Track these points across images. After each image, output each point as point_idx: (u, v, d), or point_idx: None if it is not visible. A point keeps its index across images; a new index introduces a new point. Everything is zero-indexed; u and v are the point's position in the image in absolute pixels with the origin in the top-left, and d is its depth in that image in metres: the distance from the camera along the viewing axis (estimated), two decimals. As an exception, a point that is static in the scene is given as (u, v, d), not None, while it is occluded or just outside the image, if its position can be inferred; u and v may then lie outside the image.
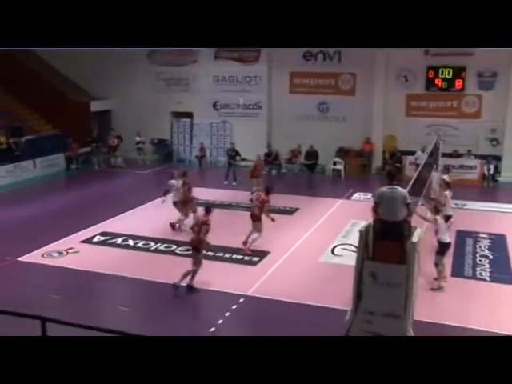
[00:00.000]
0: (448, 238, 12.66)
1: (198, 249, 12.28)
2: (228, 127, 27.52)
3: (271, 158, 25.15)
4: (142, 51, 27.95)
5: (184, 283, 12.16)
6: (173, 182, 16.53)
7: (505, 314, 11.36)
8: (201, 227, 12.26)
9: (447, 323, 10.78)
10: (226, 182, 22.47)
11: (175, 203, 16.22)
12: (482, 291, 12.56)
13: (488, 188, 23.10)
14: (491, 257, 14.58)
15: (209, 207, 12.98)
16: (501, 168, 24.26)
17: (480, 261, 14.33)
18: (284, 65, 26.51)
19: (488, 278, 13.30)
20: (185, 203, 16.21)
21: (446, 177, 16.80)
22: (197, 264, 12.15)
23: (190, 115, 28.24)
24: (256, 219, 14.57)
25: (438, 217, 12.50)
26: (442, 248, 12.40)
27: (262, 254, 14.37)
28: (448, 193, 15.32)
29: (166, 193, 16.41)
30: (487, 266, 14.00)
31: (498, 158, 24.25)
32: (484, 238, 16.05)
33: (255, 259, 14.09)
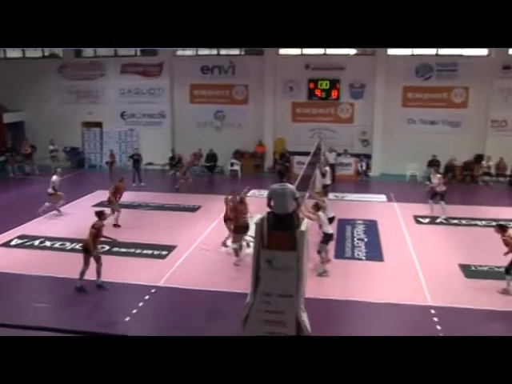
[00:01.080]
0: (330, 229, 13.05)
1: (86, 250, 11.69)
2: (135, 134, 27.16)
3: (175, 161, 25.02)
4: (52, 66, 27.04)
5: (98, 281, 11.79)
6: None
7: (378, 286, 11.95)
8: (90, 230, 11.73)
9: (333, 298, 11.21)
10: (134, 185, 22.09)
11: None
12: (359, 269, 13.10)
13: (361, 182, 24.14)
14: (366, 239, 15.26)
15: (100, 212, 12.29)
16: (371, 165, 25.49)
17: (357, 243, 14.96)
18: (184, 78, 26.50)
19: (364, 258, 13.92)
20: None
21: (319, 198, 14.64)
22: (85, 264, 11.56)
23: (99, 124, 27.56)
24: None
25: (319, 213, 12.85)
26: (325, 238, 12.74)
27: (170, 248, 14.27)
28: (326, 199, 14.84)
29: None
30: (363, 247, 14.64)
31: (368, 157, 25.46)
32: (360, 224, 16.77)
33: (164, 253, 13.98)
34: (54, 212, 17.65)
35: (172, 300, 11.35)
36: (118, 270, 12.58)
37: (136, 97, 27.05)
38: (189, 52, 26.90)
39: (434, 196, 17.70)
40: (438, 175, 18.11)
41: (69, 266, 12.70)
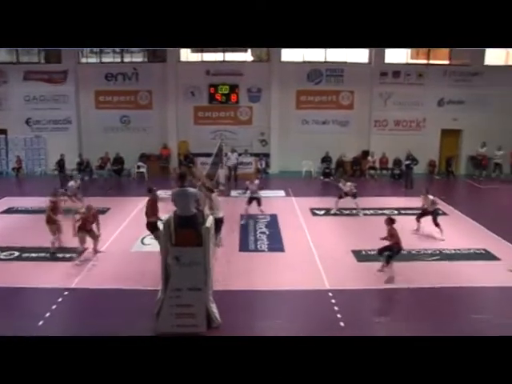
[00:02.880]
0: (221, 213, 12.98)
1: (48, 221, 11.64)
2: (42, 141, 25.70)
3: (83, 166, 24.13)
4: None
5: None
6: None
7: (280, 275, 12.10)
8: None
9: (240, 289, 11.21)
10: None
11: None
12: (262, 260, 13.20)
13: (262, 179, 24.38)
14: (268, 232, 15.43)
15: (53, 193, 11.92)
16: (270, 162, 25.91)
17: (260, 237, 15.09)
18: (89, 84, 25.52)
19: (266, 249, 14.07)
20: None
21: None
22: (53, 235, 11.43)
23: (3, 131, 25.81)
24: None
25: (213, 194, 12.74)
26: (216, 223, 12.06)
27: (81, 251, 13.65)
28: (215, 195, 13.82)
29: None
30: (265, 240, 14.80)
31: (267, 155, 25.87)
32: (261, 218, 16.93)
33: (74, 255, 13.35)
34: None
35: (85, 301, 10.85)
36: (29, 276, 11.86)
37: (41, 103, 25.59)
38: (93, 59, 25.98)
39: (343, 197, 17.74)
40: (349, 183, 17.94)
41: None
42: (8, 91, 25.42)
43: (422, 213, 15.39)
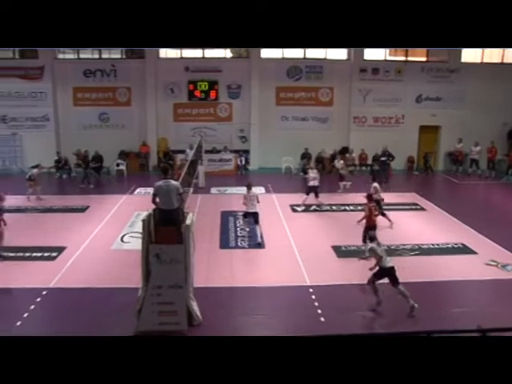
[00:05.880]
0: (255, 208, 14.13)
1: None
2: (18, 138, 25.22)
3: (61, 163, 23.82)
4: None
5: None
6: None
7: (261, 271, 12.18)
8: None
9: (220, 286, 11.21)
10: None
11: None
12: (243, 257, 13.23)
13: (242, 175, 24.39)
14: (248, 229, 15.43)
15: None
16: (250, 159, 25.91)
17: (240, 233, 15.10)
18: (67, 81, 25.16)
19: (247, 246, 14.09)
20: None
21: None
22: None
23: (-22, 129, 25.37)
24: None
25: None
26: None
27: (60, 249, 13.49)
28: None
29: None
30: (246, 236, 14.79)
31: (247, 152, 25.85)
32: (241, 215, 16.88)
33: (53, 254, 13.19)
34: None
35: (64, 300, 10.71)
36: (6, 276, 11.70)
37: (17, 100, 25.08)
38: (70, 56, 25.60)
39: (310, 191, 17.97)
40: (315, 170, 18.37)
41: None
42: (-19, 87, 24.92)
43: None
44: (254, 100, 25.49)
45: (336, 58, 25.65)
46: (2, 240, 12.85)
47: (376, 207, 13.19)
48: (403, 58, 25.80)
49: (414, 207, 18.32)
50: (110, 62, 25.28)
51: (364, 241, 12.59)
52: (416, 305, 9.75)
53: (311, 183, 17.79)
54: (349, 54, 25.67)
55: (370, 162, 25.25)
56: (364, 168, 25.31)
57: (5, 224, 12.99)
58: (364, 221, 13.04)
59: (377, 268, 10.00)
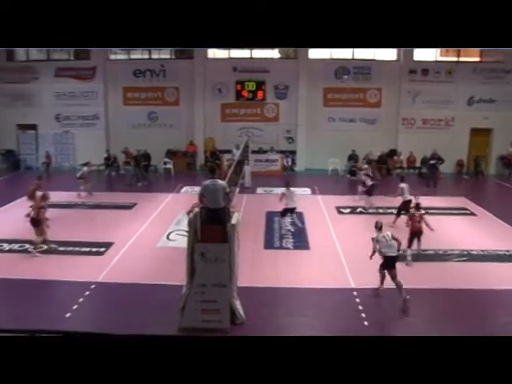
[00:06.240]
0: (292, 205, 15.22)
1: None
2: (70, 136, 26.20)
3: (110, 161, 24.45)
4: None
5: None
6: None
7: (305, 273, 12.10)
8: None
9: (264, 286, 11.21)
10: (139, 184, 22.05)
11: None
12: (287, 257, 13.19)
13: (288, 176, 24.35)
14: (293, 230, 15.42)
15: None
16: (296, 160, 25.86)
17: (285, 234, 15.08)
18: (117, 81, 25.85)
19: (291, 247, 14.06)
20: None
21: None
22: None
23: (34, 127, 26.36)
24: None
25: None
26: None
27: (107, 245, 13.85)
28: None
29: None
30: (290, 237, 14.77)
31: (293, 153, 25.81)
32: (287, 216, 16.85)
33: (101, 250, 13.54)
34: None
35: (111, 295, 10.99)
36: (56, 268, 12.09)
37: (70, 99, 26.03)
38: (121, 56, 26.28)
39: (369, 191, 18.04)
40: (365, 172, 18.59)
41: (5, 266, 12.12)
42: (39, 88, 25.93)
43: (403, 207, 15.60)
44: (302, 101, 25.43)
45: (385, 59, 25.28)
46: (46, 234, 13.30)
47: (422, 216, 12.86)
48: (455, 59, 25.18)
49: (463, 212, 17.84)
50: (159, 63, 25.78)
51: (409, 246, 12.45)
52: (408, 296, 9.95)
53: (370, 182, 17.93)
54: (398, 54, 25.26)
55: (418, 164, 24.77)
56: (412, 171, 24.83)
57: (47, 219, 13.56)
58: (410, 226, 12.90)
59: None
